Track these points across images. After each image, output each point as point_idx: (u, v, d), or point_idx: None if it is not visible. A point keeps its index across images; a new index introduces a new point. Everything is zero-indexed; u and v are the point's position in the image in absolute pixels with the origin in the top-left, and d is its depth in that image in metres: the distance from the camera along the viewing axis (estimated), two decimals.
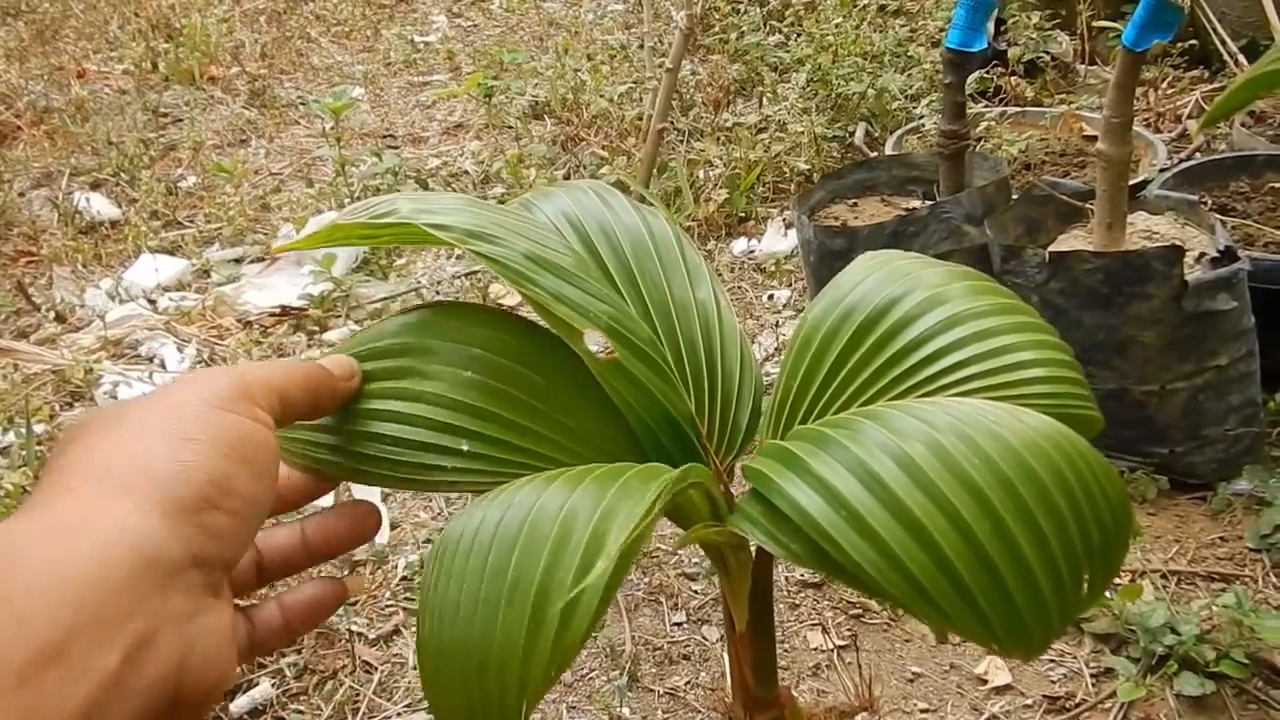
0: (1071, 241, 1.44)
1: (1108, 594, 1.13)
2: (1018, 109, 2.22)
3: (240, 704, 1.16)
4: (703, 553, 1.21)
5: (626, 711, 1.13)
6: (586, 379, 0.52)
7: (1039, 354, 0.52)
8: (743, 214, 2.25)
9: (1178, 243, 1.27)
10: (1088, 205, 1.42)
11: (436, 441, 0.47)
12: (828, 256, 1.52)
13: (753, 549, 0.55)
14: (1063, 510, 0.43)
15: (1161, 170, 1.65)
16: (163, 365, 1.78)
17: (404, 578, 1.37)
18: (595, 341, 0.51)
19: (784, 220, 2.18)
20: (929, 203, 1.60)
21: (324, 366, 0.46)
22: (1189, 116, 2.35)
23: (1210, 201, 1.59)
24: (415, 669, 1.15)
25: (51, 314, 2.03)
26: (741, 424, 0.58)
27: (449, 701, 0.40)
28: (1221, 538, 1.23)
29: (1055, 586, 0.42)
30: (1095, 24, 2.44)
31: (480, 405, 0.48)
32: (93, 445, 0.36)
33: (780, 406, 0.56)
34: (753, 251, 2.10)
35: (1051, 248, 1.41)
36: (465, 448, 0.47)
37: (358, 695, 1.18)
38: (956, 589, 0.41)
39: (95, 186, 2.66)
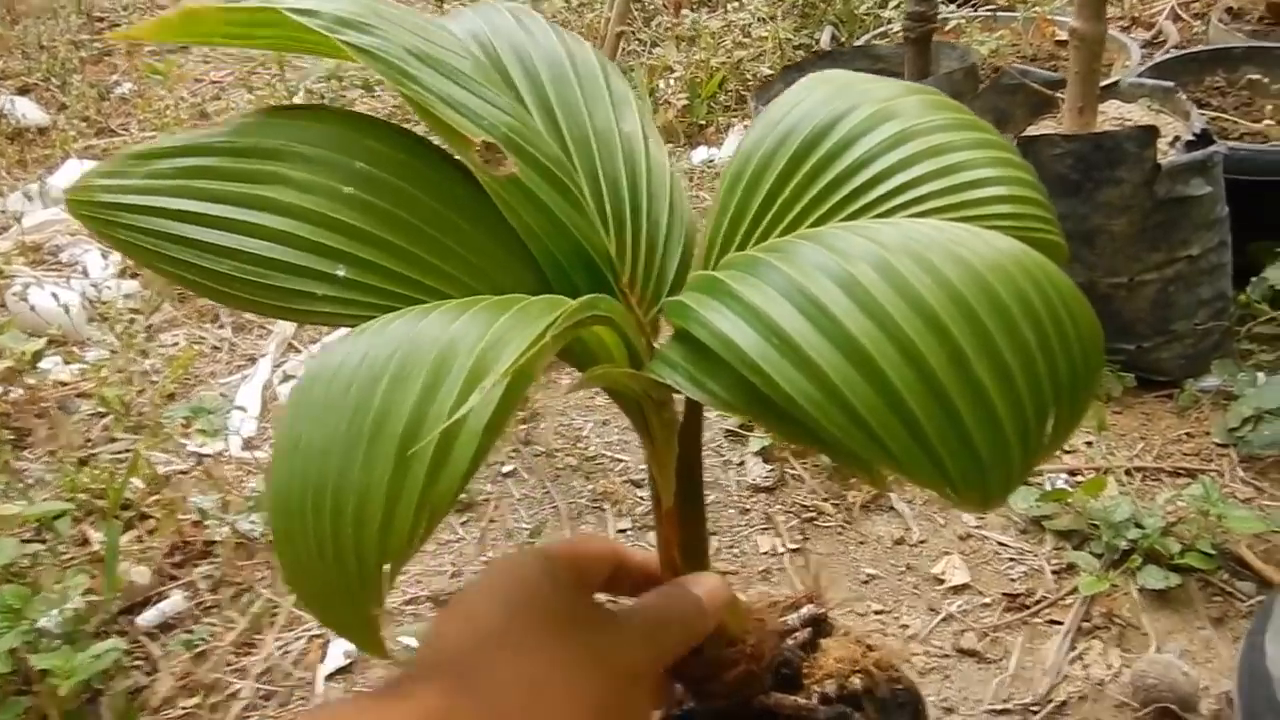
0: (1040, 131, 1.37)
1: (1070, 488, 1.09)
2: (988, 11, 2.14)
3: (149, 617, 1.09)
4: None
5: None
6: (492, 210, 0.45)
7: (999, 171, 0.45)
8: (703, 122, 2.18)
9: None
10: (1058, 94, 1.35)
11: (307, 264, 0.41)
12: None
13: (679, 411, 0.49)
14: (1029, 341, 0.37)
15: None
16: (85, 272, 1.68)
17: None
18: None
19: (744, 127, 2.11)
20: None
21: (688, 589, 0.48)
22: (1164, 19, 2.30)
23: (1185, 96, 1.53)
24: None
25: None
26: (669, 272, 0.51)
27: (300, 568, 0.34)
28: (1188, 434, 1.19)
29: (1018, 426, 0.37)
30: None
31: (361, 226, 0.42)
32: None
33: (709, 248, 0.49)
34: (712, 160, 2.04)
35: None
36: (341, 273, 0.41)
37: (276, 607, 1.10)
38: (907, 427, 0.35)
39: (23, 91, 2.53)
